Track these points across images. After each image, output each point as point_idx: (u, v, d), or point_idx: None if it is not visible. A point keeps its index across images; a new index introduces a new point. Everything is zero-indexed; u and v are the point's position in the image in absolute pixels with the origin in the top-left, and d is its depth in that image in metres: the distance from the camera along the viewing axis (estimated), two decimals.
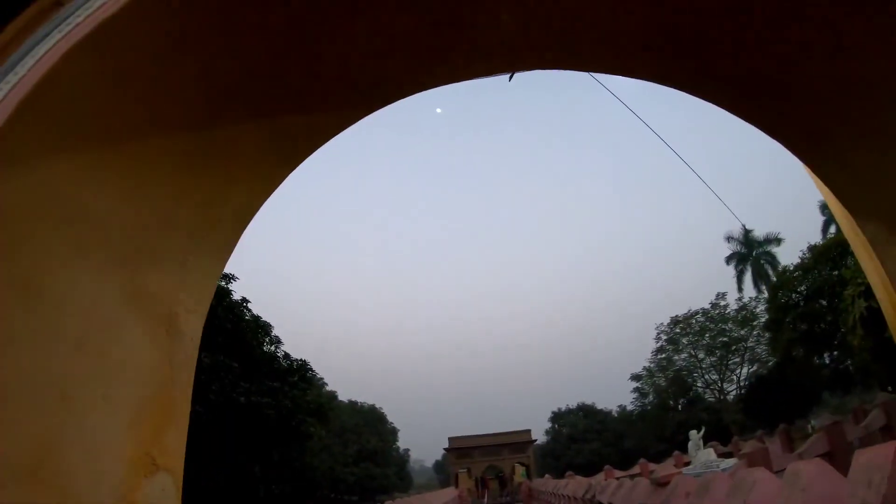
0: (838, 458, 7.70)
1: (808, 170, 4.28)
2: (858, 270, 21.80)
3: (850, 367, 33.27)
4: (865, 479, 5.87)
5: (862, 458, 6.22)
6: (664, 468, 15.15)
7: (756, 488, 8.20)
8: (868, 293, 20.87)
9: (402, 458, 75.96)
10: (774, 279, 44.56)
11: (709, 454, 19.12)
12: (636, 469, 31.57)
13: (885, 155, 3.44)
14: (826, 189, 4.04)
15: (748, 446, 25.73)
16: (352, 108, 3.82)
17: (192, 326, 3.50)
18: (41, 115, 2.44)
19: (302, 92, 3.46)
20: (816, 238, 39.22)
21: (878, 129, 3.41)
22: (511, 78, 4.60)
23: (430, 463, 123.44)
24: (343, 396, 60.62)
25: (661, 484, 13.41)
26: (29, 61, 2.45)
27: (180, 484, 3.25)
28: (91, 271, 2.82)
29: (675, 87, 4.10)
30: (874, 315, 20.64)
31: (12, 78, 2.41)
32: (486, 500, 50.16)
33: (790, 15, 3.16)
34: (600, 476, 29.01)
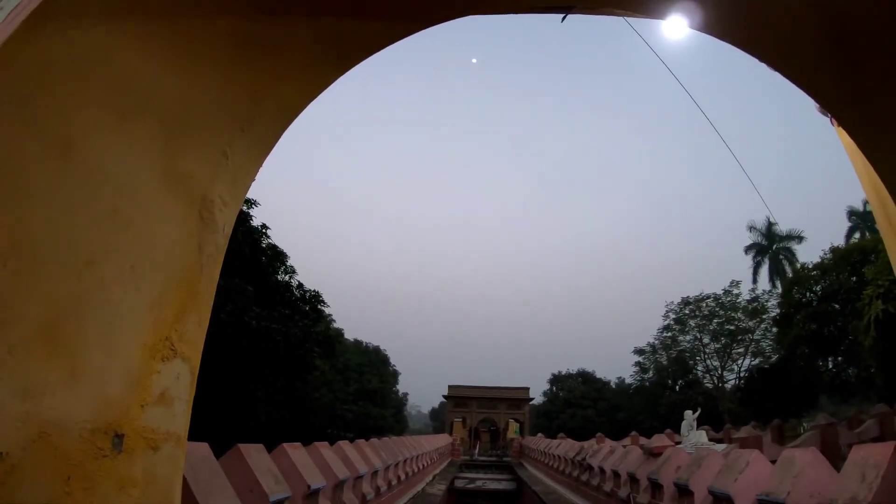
0: (828, 458, 7.85)
1: (850, 147, 4.24)
2: (880, 272, 21.69)
3: (852, 376, 33.27)
4: (859, 473, 5.99)
5: (858, 454, 6.33)
6: (657, 440, 15.39)
7: (749, 469, 8.38)
8: (887, 296, 20.78)
9: (401, 402, 77.15)
10: (790, 275, 44.23)
11: (700, 436, 19.35)
12: (627, 440, 32.06)
13: None
14: (865, 168, 4.00)
15: (742, 432, 26.08)
16: (405, 20, 3.70)
17: (226, 218, 3.47)
18: None
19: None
20: (840, 243, 38.77)
21: None
22: (564, 19, 4.52)
23: (426, 409, 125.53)
24: (349, 336, 61.52)
25: (654, 454, 13.70)
26: None
27: (196, 375, 3.25)
28: (131, 142, 2.79)
29: (721, 38, 4.02)
30: (890, 319, 20.61)
31: None
32: (477, 450, 51.15)
33: None
34: (592, 441, 29.49)
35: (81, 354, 2.52)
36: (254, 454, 7.62)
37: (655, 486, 12.34)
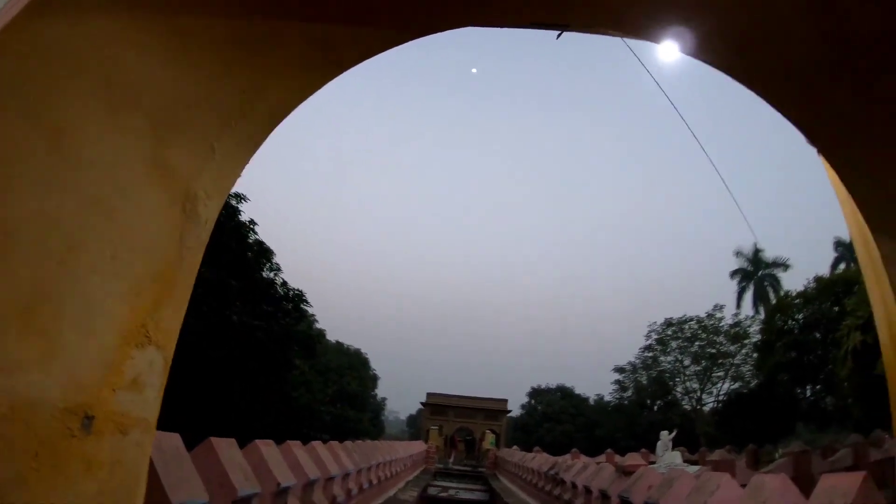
0: (800, 486, 7.90)
1: (835, 180, 4.36)
2: (860, 304, 21.95)
3: (829, 406, 33.54)
4: (828, 502, 6.06)
5: (828, 482, 6.40)
6: (631, 458, 15.42)
7: (719, 492, 8.44)
8: (866, 327, 21.01)
9: (379, 406, 76.77)
10: (774, 302, 44.66)
11: (675, 457, 19.43)
12: (603, 458, 32.06)
13: None
14: (849, 202, 4.12)
15: (716, 455, 26.19)
16: (399, 29, 3.78)
17: (209, 212, 3.52)
18: None
19: (349, 5, 3.47)
20: (825, 272, 39.09)
21: None
22: (559, 36, 4.59)
23: (404, 416, 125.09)
24: (331, 337, 61.18)
25: (627, 472, 13.75)
26: None
27: (169, 363, 3.29)
28: (120, 134, 2.84)
29: (712, 65, 4.11)
30: (867, 350, 20.81)
31: None
32: (452, 459, 51.01)
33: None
34: (567, 457, 29.50)
35: (57, 336, 2.56)
36: (225, 448, 7.58)
37: None
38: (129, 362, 2.89)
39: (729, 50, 3.93)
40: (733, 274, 55.20)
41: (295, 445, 10.80)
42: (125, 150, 2.86)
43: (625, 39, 4.87)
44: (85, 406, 2.61)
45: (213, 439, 7.51)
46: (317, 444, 12.59)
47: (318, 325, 49.25)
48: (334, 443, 14.75)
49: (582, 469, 18.40)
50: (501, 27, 4.34)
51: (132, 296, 2.93)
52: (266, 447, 9.08)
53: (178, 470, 6.18)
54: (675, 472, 11.60)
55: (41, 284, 2.49)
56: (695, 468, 18.19)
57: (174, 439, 6.39)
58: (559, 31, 4.48)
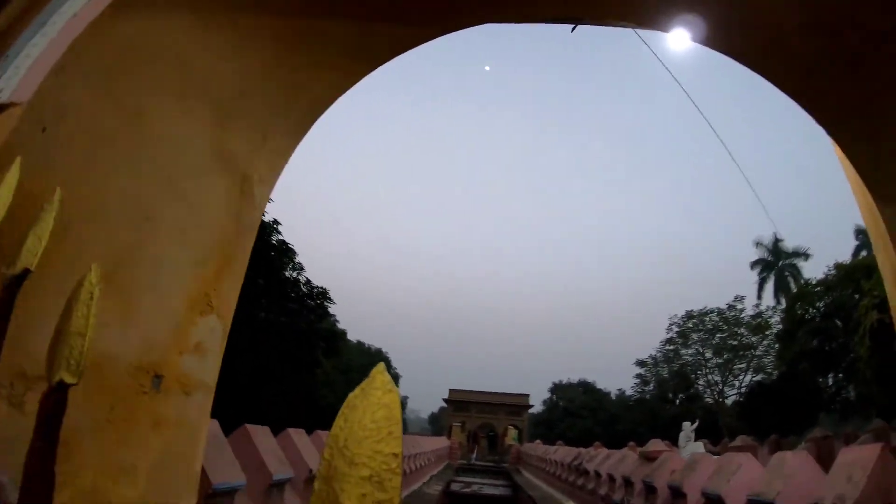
0: (822, 467, 8.00)
1: (843, 161, 4.46)
2: (876, 284, 21.79)
3: (852, 394, 33.15)
4: (846, 474, 6.21)
5: (846, 456, 6.55)
6: (653, 445, 15.54)
7: (741, 471, 8.58)
8: (882, 306, 20.93)
9: (400, 405, 77.02)
10: (795, 291, 44.31)
11: (697, 447, 19.39)
12: (625, 450, 32.06)
13: None
14: (856, 178, 4.24)
15: (738, 441, 26.12)
16: (430, 25, 4.05)
17: (261, 195, 3.82)
18: None
19: (383, 3, 3.73)
20: (846, 260, 38.67)
21: None
22: (573, 29, 4.78)
23: (424, 415, 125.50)
24: (352, 337, 61.59)
25: (650, 458, 13.86)
26: None
27: (227, 332, 3.55)
28: (187, 119, 3.13)
29: (725, 53, 4.24)
30: (885, 329, 20.72)
31: None
32: (475, 455, 51.18)
33: None
34: (590, 449, 29.58)
35: (133, 298, 2.83)
36: (260, 435, 7.85)
37: (650, 490, 12.51)
38: (193, 328, 3.15)
39: (739, 36, 4.06)
40: (754, 265, 54.72)
41: (325, 434, 11.07)
42: (193, 135, 3.17)
43: (637, 31, 5.04)
44: (155, 366, 2.87)
45: (249, 426, 7.77)
46: None
47: (339, 326, 49.83)
48: None
49: (605, 458, 18.54)
50: (519, 23, 4.54)
51: (198, 266, 3.21)
52: (297, 435, 9.36)
53: (218, 454, 6.45)
54: (698, 455, 11.73)
55: (122, 249, 2.76)
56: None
57: (213, 425, 6.66)
58: (573, 25, 4.67)
